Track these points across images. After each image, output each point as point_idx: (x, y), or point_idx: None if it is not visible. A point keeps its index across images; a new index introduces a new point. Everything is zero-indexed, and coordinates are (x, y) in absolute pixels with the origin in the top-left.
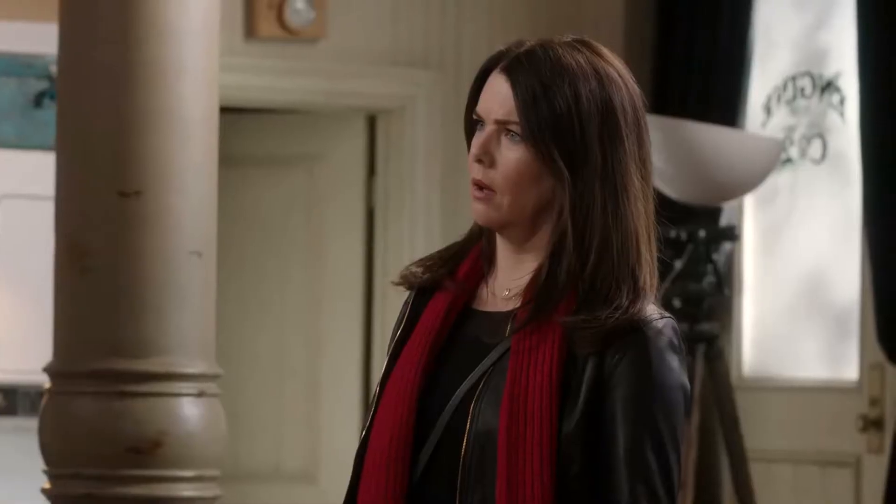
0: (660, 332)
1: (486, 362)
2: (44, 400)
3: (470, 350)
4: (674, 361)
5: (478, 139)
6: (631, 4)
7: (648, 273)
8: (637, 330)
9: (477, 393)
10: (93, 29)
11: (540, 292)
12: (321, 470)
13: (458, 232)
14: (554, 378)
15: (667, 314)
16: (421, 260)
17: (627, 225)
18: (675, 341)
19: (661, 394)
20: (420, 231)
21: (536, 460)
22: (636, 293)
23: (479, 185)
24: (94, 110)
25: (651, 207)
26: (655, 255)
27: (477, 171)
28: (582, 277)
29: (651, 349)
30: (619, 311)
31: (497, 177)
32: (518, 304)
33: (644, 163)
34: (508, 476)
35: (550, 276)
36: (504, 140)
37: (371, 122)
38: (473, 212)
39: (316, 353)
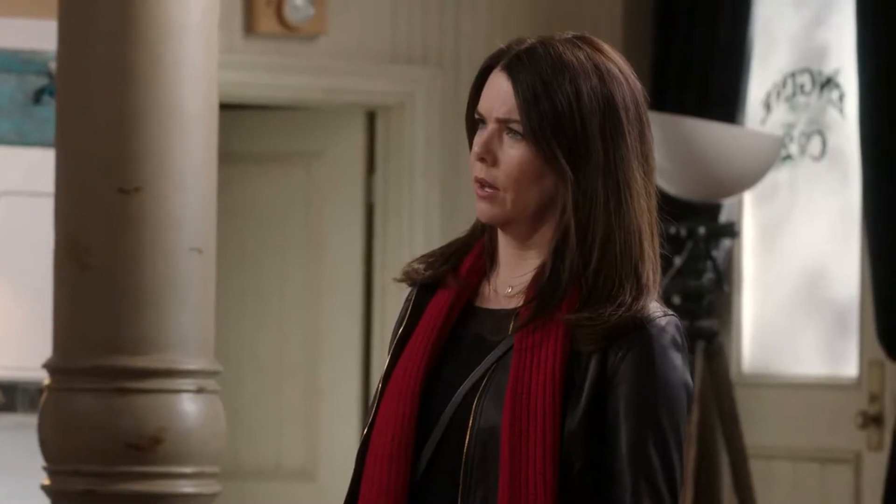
0: (663, 329)
1: (489, 359)
2: (43, 396)
3: (473, 347)
4: (677, 359)
5: (479, 137)
6: (630, 1)
7: (651, 270)
8: (640, 327)
9: (480, 390)
10: (92, 25)
11: (543, 289)
12: (320, 467)
13: (457, 228)
14: (557, 375)
15: (670, 312)
16: (423, 256)
17: (630, 221)
18: (679, 339)
19: (665, 391)
20: (419, 227)
21: (539, 457)
22: (639, 290)
23: (482, 183)
24: (93, 107)
25: (654, 204)
26: (658, 251)
27: (479, 170)
28: (585, 274)
29: (654, 347)
30: (623, 309)
31: (499, 175)
32: (521, 302)
33: (646, 159)
34: (511, 473)
35: (553, 273)
36: (506, 138)
37: (370, 119)
38: (477, 209)
39: (315, 350)
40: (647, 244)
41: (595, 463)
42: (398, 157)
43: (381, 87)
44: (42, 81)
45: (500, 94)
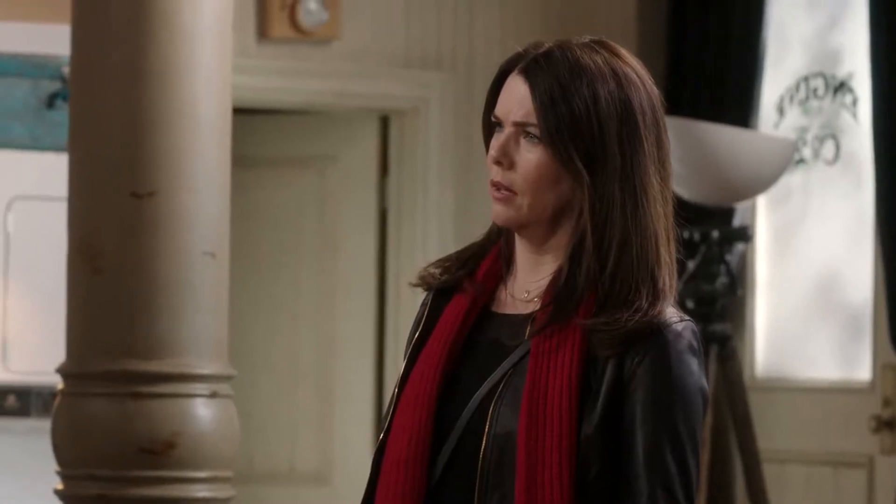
0: (679, 334)
1: (506, 364)
2: (57, 401)
3: (489, 352)
4: (693, 364)
5: (496, 141)
6: (643, 5)
7: (668, 275)
8: (657, 332)
9: (496, 395)
10: (106, 30)
11: (559, 294)
12: (334, 470)
13: (472, 232)
14: (573, 380)
15: (686, 317)
16: (439, 261)
17: (647, 226)
18: (695, 344)
19: (681, 397)
20: (433, 231)
21: (556, 463)
22: (655, 295)
23: (498, 186)
24: (107, 111)
25: (670, 209)
26: (675, 256)
27: (496, 173)
28: (601, 279)
29: (671, 352)
30: (639, 314)
31: (517, 178)
32: (537, 306)
33: (663, 164)
34: (527, 478)
35: (570, 277)
36: (523, 142)
37: (384, 123)
38: (493, 212)
39: (329, 354)
40: (663, 249)
41: (611, 468)
42: (412, 161)
43: (394, 91)
44: (55, 86)
45: (517, 98)
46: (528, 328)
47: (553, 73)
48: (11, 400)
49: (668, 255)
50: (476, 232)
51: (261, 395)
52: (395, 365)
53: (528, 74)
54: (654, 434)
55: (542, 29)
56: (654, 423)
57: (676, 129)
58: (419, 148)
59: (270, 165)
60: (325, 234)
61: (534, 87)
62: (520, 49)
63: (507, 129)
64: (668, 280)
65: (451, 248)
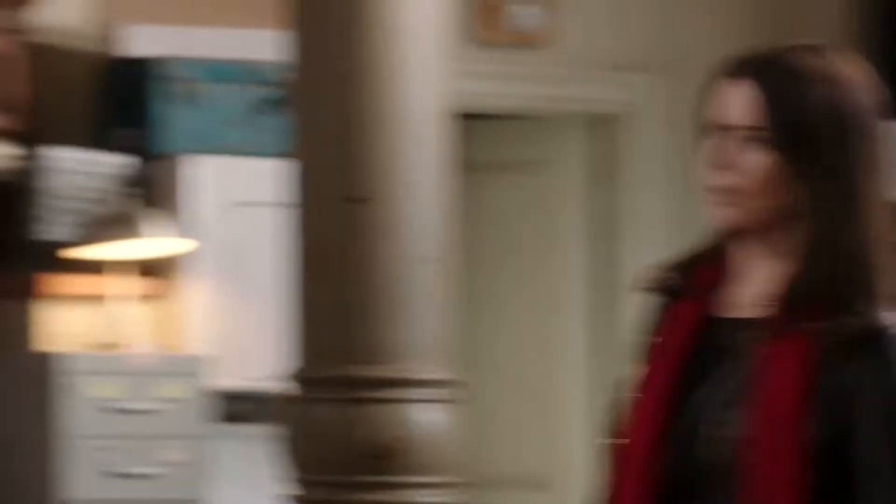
0: None
1: (732, 369)
2: (283, 407)
3: (715, 357)
4: None
5: (714, 145)
6: (859, 8)
7: (888, 279)
8: (880, 337)
9: (723, 400)
10: (324, 35)
11: (785, 299)
12: (556, 476)
13: (686, 237)
14: (799, 385)
15: None
16: (663, 265)
17: (867, 231)
18: None
19: None
20: (645, 236)
21: (782, 469)
22: (877, 300)
23: (720, 191)
24: (325, 116)
25: (887, 213)
26: (892, 261)
27: (715, 178)
28: (825, 284)
29: (893, 357)
30: (862, 319)
31: (737, 182)
32: (761, 311)
33: (880, 169)
34: (754, 484)
35: (794, 282)
36: (742, 146)
37: (595, 127)
38: (713, 218)
39: (551, 358)
40: (882, 254)
41: (836, 475)
42: (624, 165)
43: (605, 95)
44: (266, 91)
45: (736, 102)
46: (753, 333)
47: (776, 77)
48: (234, 406)
49: (888, 260)
50: (692, 237)
51: (484, 399)
52: (614, 369)
53: (747, 78)
54: (874, 443)
55: (755, 31)
56: (875, 432)
57: (889, 133)
58: (630, 152)
59: (486, 170)
60: (541, 237)
61: (754, 91)
62: (735, 54)
63: (727, 134)
64: (890, 285)
65: (665, 252)
